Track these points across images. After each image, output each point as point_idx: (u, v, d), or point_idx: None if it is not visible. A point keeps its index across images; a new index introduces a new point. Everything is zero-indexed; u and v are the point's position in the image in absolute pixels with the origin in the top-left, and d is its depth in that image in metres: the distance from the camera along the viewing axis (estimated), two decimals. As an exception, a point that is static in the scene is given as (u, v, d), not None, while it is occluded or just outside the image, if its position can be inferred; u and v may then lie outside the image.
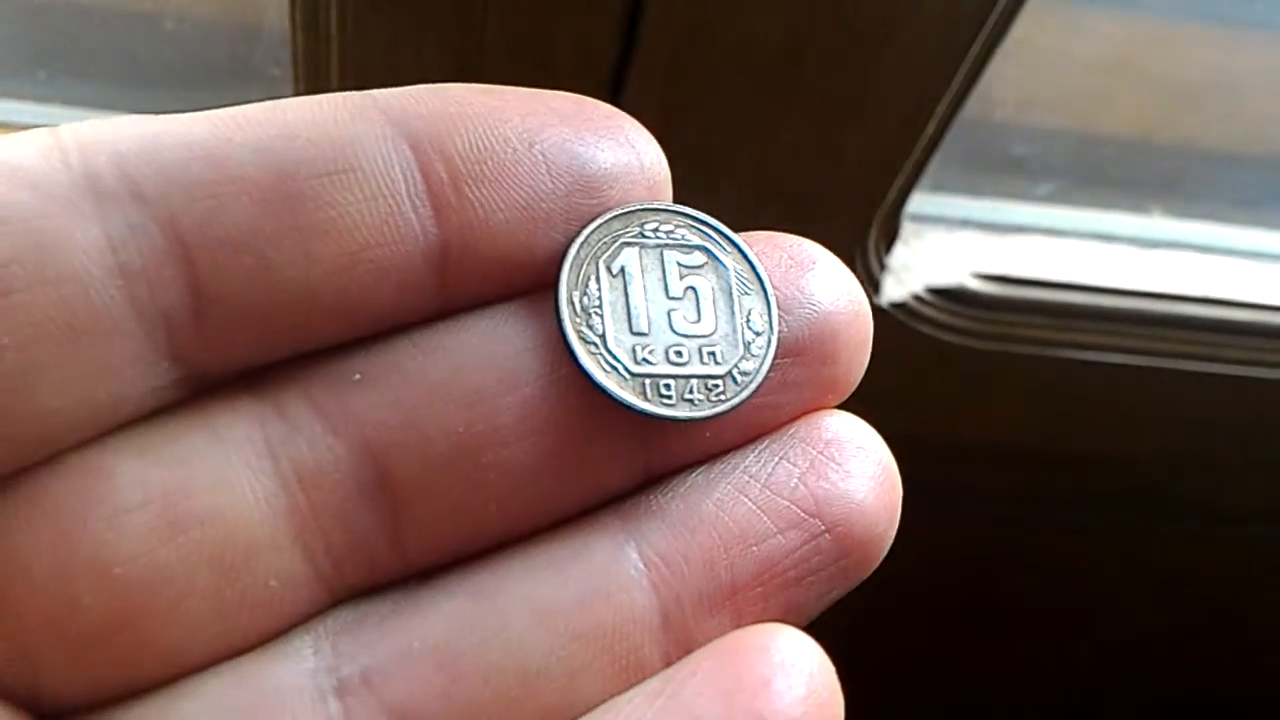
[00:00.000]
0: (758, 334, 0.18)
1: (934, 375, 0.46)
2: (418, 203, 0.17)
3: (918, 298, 0.43)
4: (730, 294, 0.18)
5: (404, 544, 0.18)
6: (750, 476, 0.18)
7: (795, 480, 0.18)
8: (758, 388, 0.18)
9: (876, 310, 0.42)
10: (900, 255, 0.43)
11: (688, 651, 0.18)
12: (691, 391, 0.18)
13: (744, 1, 0.32)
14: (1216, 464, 0.53)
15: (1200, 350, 0.46)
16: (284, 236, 0.16)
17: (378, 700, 0.17)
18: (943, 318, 0.44)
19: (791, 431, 0.18)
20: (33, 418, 0.15)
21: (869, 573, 0.18)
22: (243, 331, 0.16)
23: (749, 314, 0.18)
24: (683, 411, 0.18)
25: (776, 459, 0.18)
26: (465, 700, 0.17)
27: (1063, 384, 0.47)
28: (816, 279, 0.18)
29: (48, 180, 0.15)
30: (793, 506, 0.18)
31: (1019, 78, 0.47)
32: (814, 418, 0.19)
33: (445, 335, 0.17)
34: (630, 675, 0.17)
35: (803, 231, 0.19)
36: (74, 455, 0.16)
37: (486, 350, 0.17)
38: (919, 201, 0.42)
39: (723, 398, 0.18)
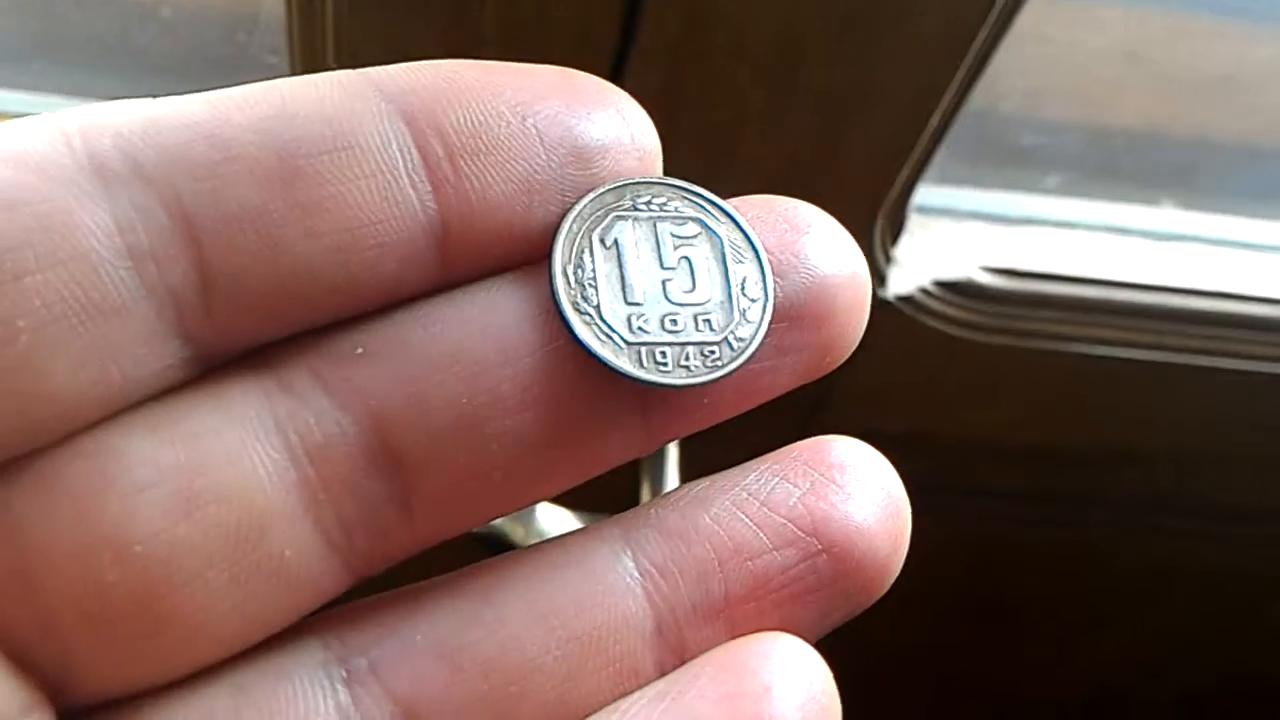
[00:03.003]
0: (752, 300, 0.18)
1: (941, 370, 0.46)
2: (415, 178, 0.17)
3: (924, 291, 0.43)
4: (724, 262, 0.18)
5: (413, 513, 0.18)
6: (749, 494, 0.18)
7: (794, 499, 0.18)
8: (754, 352, 0.18)
9: (882, 304, 0.42)
10: (906, 248, 0.43)
11: (681, 659, 0.18)
12: (687, 359, 0.18)
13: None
14: (1229, 461, 0.52)
15: (1212, 345, 0.46)
16: (287, 214, 0.16)
17: (384, 689, 0.18)
18: (950, 311, 0.43)
19: (796, 453, 0.19)
20: (49, 398, 0.16)
21: (873, 598, 0.18)
22: (249, 308, 0.17)
23: (743, 281, 0.18)
24: (679, 378, 0.18)
25: (777, 478, 0.19)
26: (466, 692, 0.18)
27: (1072, 379, 0.47)
28: (812, 243, 0.19)
29: (53, 164, 0.16)
30: (789, 524, 0.18)
31: (1028, 69, 0.46)
32: (820, 441, 0.19)
33: (446, 308, 0.18)
34: (624, 678, 0.18)
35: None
36: (88, 436, 0.16)
37: (486, 323, 0.18)
38: (926, 194, 0.42)
39: (719, 363, 0.18)
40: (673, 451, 0.40)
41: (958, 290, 0.43)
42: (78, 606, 0.16)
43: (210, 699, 0.17)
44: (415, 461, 0.18)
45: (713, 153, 0.36)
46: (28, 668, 0.17)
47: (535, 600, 0.18)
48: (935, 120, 0.36)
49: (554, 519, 0.40)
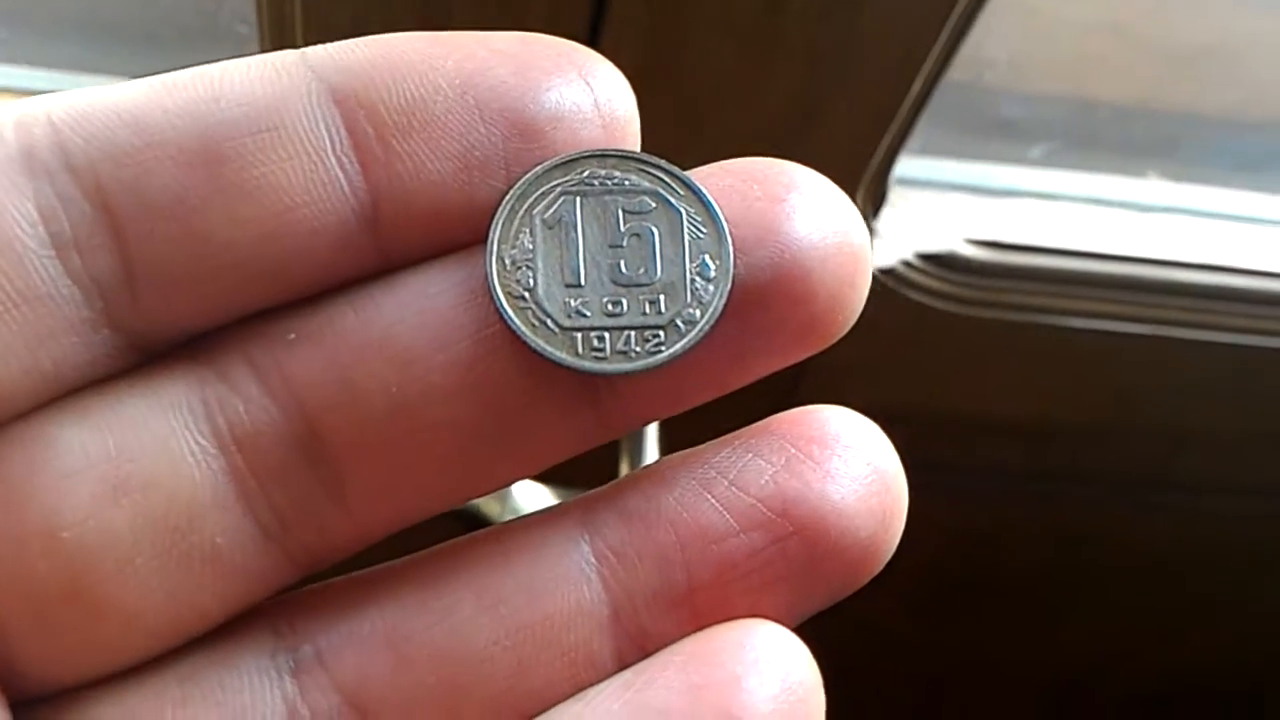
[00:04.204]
0: (708, 280, 0.17)
1: (923, 343, 0.45)
2: (344, 159, 0.16)
3: (907, 263, 0.42)
4: (681, 239, 0.17)
5: (349, 504, 0.17)
6: (718, 472, 0.17)
7: (766, 478, 0.17)
8: (703, 336, 0.17)
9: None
10: (888, 219, 0.42)
11: (642, 649, 0.17)
12: (627, 343, 0.17)
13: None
14: (1215, 435, 0.52)
15: (1198, 317, 0.46)
16: (210, 199, 0.16)
17: (330, 679, 0.17)
18: (933, 284, 0.43)
19: (774, 426, 0.17)
20: None
21: (859, 581, 0.17)
22: (177, 297, 0.16)
23: (702, 258, 0.17)
24: (615, 364, 0.17)
25: (750, 454, 0.17)
26: (412, 682, 0.17)
27: (1057, 352, 0.46)
28: (789, 211, 0.17)
29: None
30: (758, 505, 0.17)
31: (1012, 39, 0.46)
32: (803, 412, 0.18)
33: (380, 293, 0.17)
34: (580, 669, 0.17)
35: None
36: (18, 423, 0.16)
37: (419, 308, 0.17)
38: (909, 165, 0.42)
39: (660, 348, 0.17)
40: (652, 427, 0.40)
41: (940, 263, 0.43)
42: (11, 593, 0.16)
43: (159, 688, 0.17)
44: (346, 451, 0.17)
45: (689, 122, 0.36)
46: None
47: (485, 588, 0.17)
48: (917, 87, 0.35)
49: (532, 496, 0.40)
